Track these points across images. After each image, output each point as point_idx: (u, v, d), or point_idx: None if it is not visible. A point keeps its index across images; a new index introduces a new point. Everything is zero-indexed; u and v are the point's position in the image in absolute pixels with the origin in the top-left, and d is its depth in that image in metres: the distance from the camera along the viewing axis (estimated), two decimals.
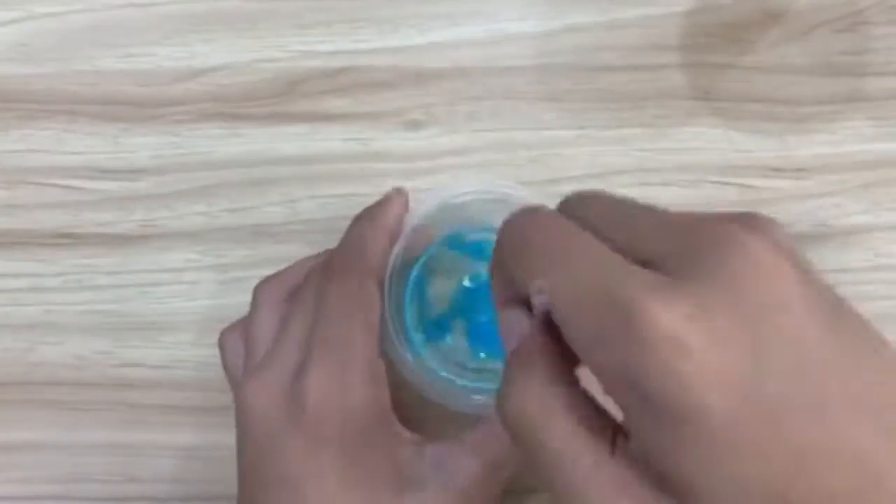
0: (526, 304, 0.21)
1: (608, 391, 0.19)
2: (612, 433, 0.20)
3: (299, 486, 0.28)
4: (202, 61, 0.39)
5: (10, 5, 0.40)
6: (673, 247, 0.19)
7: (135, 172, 0.38)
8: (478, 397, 0.31)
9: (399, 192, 0.34)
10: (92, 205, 0.38)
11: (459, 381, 0.32)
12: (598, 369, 0.19)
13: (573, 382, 0.20)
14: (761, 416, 0.17)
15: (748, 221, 0.19)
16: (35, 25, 0.40)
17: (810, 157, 0.37)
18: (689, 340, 0.17)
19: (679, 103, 0.38)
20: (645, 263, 0.19)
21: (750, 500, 0.17)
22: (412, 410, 0.31)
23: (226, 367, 0.32)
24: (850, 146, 0.37)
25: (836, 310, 0.18)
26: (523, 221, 0.22)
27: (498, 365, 0.33)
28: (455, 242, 0.35)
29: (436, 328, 0.34)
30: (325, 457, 0.28)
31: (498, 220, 0.34)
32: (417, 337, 0.34)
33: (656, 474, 0.18)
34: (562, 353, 0.20)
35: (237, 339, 0.32)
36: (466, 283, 0.34)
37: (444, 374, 0.32)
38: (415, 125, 0.38)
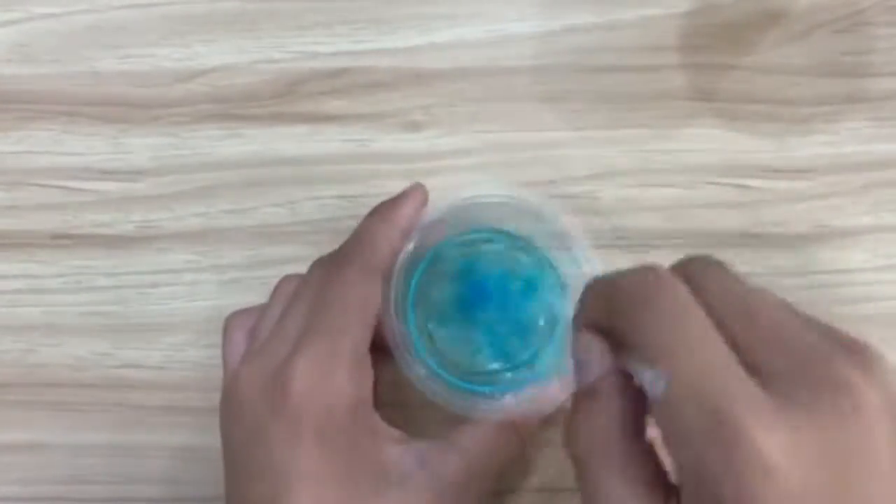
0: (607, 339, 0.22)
1: (680, 480, 0.20)
2: (663, 497, 0.21)
3: (282, 474, 0.28)
4: (202, 62, 0.39)
5: (9, 6, 0.40)
6: (783, 363, 0.19)
7: (134, 173, 0.38)
8: (478, 401, 0.31)
9: (418, 187, 0.33)
10: (91, 206, 0.38)
11: (459, 384, 0.32)
12: (679, 460, 0.20)
13: (640, 432, 0.21)
14: None
15: (861, 356, 0.19)
16: (34, 26, 0.40)
17: (810, 157, 0.37)
18: (779, 467, 0.18)
19: (679, 104, 0.38)
20: (753, 369, 0.19)
21: None
22: (404, 411, 0.31)
23: (224, 354, 0.32)
24: (851, 147, 0.37)
25: None
26: (651, 277, 0.22)
27: (496, 367, 0.34)
28: (459, 244, 0.35)
29: (438, 329, 0.34)
30: (306, 447, 0.28)
31: (503, 223, 0.34)
32: (420, 337, 0.34)
33: None
34: (635, 400, 0.21)
35: (241, 330, 0.32)
36: (469, 285, 0.34)
37: (442, 374, 0.32)
38: (415, 126, 0.38)
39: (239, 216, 0.38)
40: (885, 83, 0.38)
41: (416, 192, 0.33)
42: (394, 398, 0.31)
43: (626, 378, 0.22)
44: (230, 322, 0.32)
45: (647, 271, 0.22)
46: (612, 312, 0.22)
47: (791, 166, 0.37)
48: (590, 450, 0.21)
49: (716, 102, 0.38)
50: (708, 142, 0.37)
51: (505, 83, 0.38)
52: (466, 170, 0.38)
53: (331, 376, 0.28)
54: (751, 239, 0.37)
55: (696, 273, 0.22)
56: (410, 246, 0.32)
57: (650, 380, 0.20)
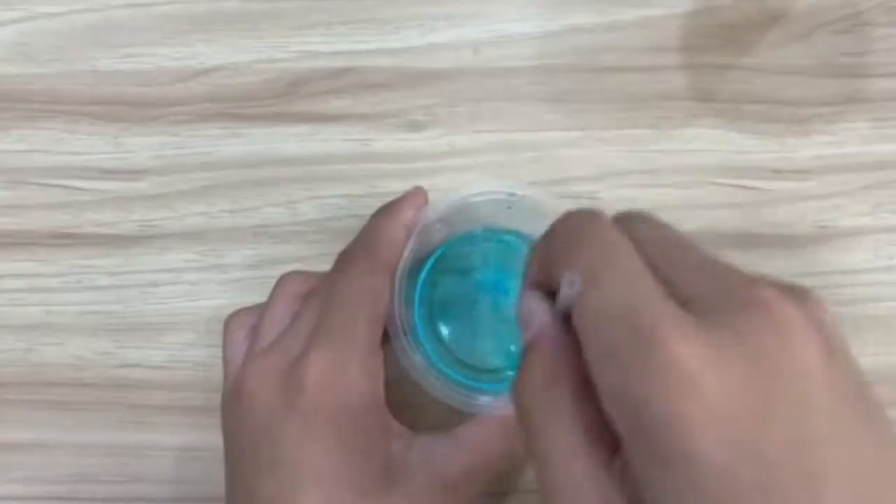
0: (551, 297, 0.22)
1: (608, 409, 0.19)
2: (610, 446, 0.20)
3: (293, 468, 0.28)
4: (203, 61, 0.39)
5: (10, 5, 0.40)
6: (708, 291, 0.19)
7: (135, 173, 0.38)
8: (482, 398, 0.31)
9: (419, 189, 0.34)
10: (92, 205, 0.38)
11: (464, 381, 0.32)
12: (604, 385, 0.19)
13: (584, 384, 0.20)
14: (753, 479, 0.17)
15: (793, 292, 0.19)
16: (35, 25, 0.40)
17: (811, 158, 0.37)
18: (701, 381, 0.17)
19: (679, 104, 0.38)
20: (679, 300, 0.19)
21: None
22: (408, 410, 0.31)
23: (225, 353, 0.32)
24: (851, 147, 0.37)
25: (856, 393, 0.18)
26: (583, 217, 0.22)
27: (499, 364, 0.34)
28: (466, 242, 0.35)
29: (443, 327, 0.34)
30: (318, 441, 0.28)
31: (508, 222, 0.34)
32: (425, 335, 0.34)
33: (640, 499, 0.18)
34: (578, 352, 0.20)
35: (242, 329, 0.32)
36: (475, 283, 0.34)
37: (449, 372, 0.32)
38: (416, 126, 0.38)
39: (240, 216, 0.38)
40: (885, 84, 0.38)
41: (417, 193, 0.33)
42: (398, 397, 0.31)
43: (568, 332, 0.21)
44: (231, 321, 0.32)
45: (580, 212, 0.22)
46: (547, 257, 0.22)
47: (791, 167, 0.37)
48: (531, 401, 0.21)
49: (716, 103, 0.38)
50: (708, 142, 0.37)
51: (505, 83, 0.38)
52: (467, 170, 0.38)
53: (345, 371, 0.29)
54: (751, 239, 0.37)
55: (629, 221, 0.22)
56: (413, 245, 0.32)
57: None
